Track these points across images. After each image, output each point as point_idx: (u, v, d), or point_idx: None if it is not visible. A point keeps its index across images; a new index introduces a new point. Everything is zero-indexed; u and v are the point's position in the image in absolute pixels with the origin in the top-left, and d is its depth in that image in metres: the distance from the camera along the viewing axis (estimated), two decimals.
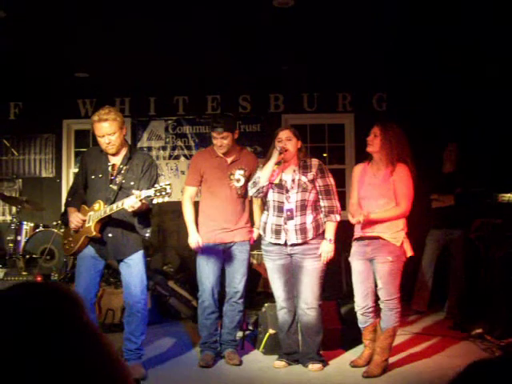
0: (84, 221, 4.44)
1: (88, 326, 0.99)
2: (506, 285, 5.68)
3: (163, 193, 4.04)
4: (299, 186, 4.70)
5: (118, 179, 4.48)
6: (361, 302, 4.71)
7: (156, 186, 4.09)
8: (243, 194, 5.04)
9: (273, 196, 4.76)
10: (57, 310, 0.98)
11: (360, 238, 4.70)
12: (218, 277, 5.00)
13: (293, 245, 4.69)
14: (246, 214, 5.08)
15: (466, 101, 7.55)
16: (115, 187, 4.46)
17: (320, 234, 4.73)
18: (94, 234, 4.38)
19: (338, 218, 4.75)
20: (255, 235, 5.10)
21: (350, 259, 4.81)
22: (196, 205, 5.10)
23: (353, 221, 4.54)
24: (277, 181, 4.75)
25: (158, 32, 6.28)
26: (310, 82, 8.18)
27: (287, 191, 4.72)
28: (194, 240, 4.96)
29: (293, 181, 4.73)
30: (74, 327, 0.97)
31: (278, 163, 4.69)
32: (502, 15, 5.64)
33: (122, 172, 4.50)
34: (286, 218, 4.70)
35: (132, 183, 4.50)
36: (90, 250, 4.53)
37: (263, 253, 4.92)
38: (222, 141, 4.93)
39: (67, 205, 4.67)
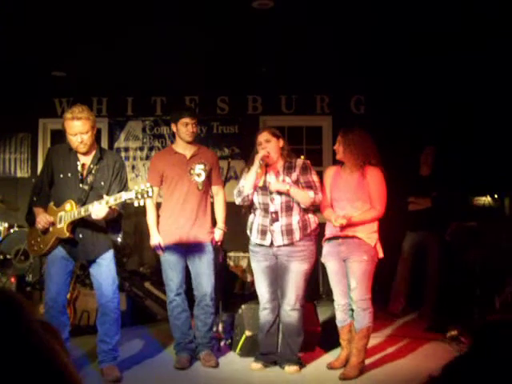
0: (51, 222, 4.38)
1: (31, 331, 0.97)
2: (480, 287, 5.74)
3: (145, 195, 4.04)
4: None
5: (89, 179, 4.42)
6: (341, 299, 4.73)
7: (137, 188, 4.06)
8: (204, 191, 5.00)
9: (258, 198, 4.74)
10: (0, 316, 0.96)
11: (333, 238, 4.73)
12: (183, 277, 4.97)
13: (279, 246, 4.68)
14: (207, 215, 5.03)
15: (444, 104, 7.62)
16: (86, 187, 4.40)
17: (307, 235, 4.71)
18: (68, 235, 4.33)
19: (313, 195, 4.61)
20: (217, 236, 5.06)
21: (323, 260, 4.83)
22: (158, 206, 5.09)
23: (335, 224, 4.56)
24: (261, 183, 4.73)
25: (135, 32, 6.24)
26: (288, 83, 8.18)
27: (271, 193, 4.70)
28: (156, 241, 4.93)
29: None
30: (17, 334, 0.95)
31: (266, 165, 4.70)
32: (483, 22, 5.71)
33: (93, 172, 4.45)
34: (271, 220, 4.69)
35: (102, 183, 4.46)
36: (60, 251, 4.46)
37: (250, 253, 4.89)
38: (194, 127, 4.95)
39: (33, 204, 4.57)
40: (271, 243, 4.69)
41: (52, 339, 1.01)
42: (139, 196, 4.04)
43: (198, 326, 5.01)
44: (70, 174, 4.45)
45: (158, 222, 4.99)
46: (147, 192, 4.04)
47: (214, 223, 5.10)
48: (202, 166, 4.97)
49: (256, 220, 4.79)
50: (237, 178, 7.79)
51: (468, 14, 5.58)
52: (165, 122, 8.43)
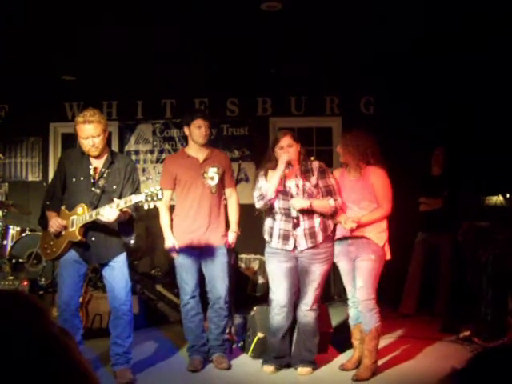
0: (64, 226, 4.40)
1: (51, 335, 0.97)
2: (492, 287, 5.71)
3: (154, 198, 4.05)
4: (305, 192, 4.65)
5: (101, 183, 4.44)
6: (355, 297, 4.75)
7: (147, 191, 4.08)
8: (218, 194, 5.00)
9: (278, 203, 4.69)
10: (19, 320, 0.97)
11: (343, 238, 4.74)
12: (197, 279, 4.97)
13: (303, 250, 4.67)
14: (221, 218, 5.02)
15: (455, 104, 7.59)
16: (98, 191, 4.42)
17: (328, 237, 4.71)
18: (80, 238, 4.35)
19: (333, 203, 4.62)
20: (231, 239, 5.06)
21: (336, 260, 4.84)
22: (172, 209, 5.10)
23: (345, 227, 4.57)
24: (281, 187, 4.70)
25: (145, 35, 6.26)
26: (297, 85, 8.18)
27: (292, 197, 4.66)
28: (170, 244, 4.93)
29: (297, 186, 4.68)
30: (37, 336, 0.95)
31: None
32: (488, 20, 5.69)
33: (105, 176, 4.46)
34: (293, 225, 4.67)
35: (114, 187, 4.48)
36: (72, 255, 4.47)
37: (267, 255, 4.84)
38: (206, 129, 4.94)
39: (46, 208, 4.59)
40: (294, 247, 4.67)
41: (69, 341, 1.02)
42: (149, 199, 4.05)
43: (211, 328, 5.02)
44: (82, 178, 4.47)
45: (171, 225, 5.00)
46: (157, 195, 4.05)
47: (227, 225, 5.11)
48: (215, 169, 4.97)
49: (276, 225, 4.73)
50: (247, 180, 7.80)
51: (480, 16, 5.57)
52: (175, 125, 8.45)
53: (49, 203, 4.57)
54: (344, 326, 5.02)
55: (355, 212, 4.67)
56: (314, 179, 4.70)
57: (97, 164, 4.50)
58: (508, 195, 6.87)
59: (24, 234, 7.35)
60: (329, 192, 4.68)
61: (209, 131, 5.00)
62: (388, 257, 4.71)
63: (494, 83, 7.13)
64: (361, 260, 4.64)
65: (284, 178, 4.69)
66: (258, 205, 4.73)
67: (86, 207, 4.35)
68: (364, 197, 4.69)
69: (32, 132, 8.70)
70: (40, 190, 8.51)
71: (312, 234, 4.65)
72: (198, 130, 4.93)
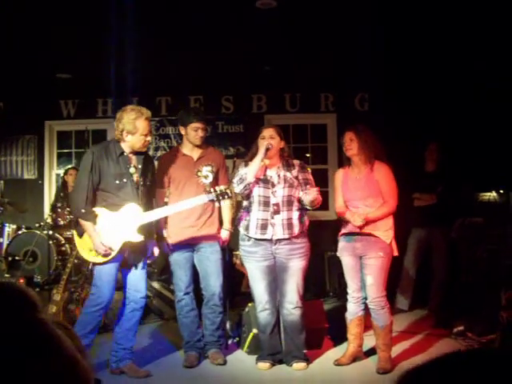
0: (110, 248, 4.38)
1: (40, 325, 0.98)
2: (486, 282, 5.75)
3: (225, 196, 4.44)
4: (285, 182, 4.74)
5: (141, 181, 4.51)
6: (356, 292, 4.81)
7: (216, 189, 4.40)
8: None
9: (258, 191, 4.75)
10: (6, 309, 0.98)
11: (349, 234, 4.77)
12: (191, 276, 5.01)
13: (279, 240, 4.70)
14: (214, 215, 5.06)
15: (448, 99, 7.61)
16: (142, 189, 4.50)
17: (304, 232, 4.78)
18: (142, 239, 4.42)
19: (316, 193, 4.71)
20: (224, 237, 5.10)
21: (339, 254, 4.89)
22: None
23: (356, 225, 4.61)
24: (262, 176, 4.77)
25: (139, 33, 6.26)
26: (292, 82, 8.20)
27: (273, 186, 4.74)
28: (164, 241, 4.97)
29: (278, 176, 4.77)
30: (26, 325, 0.96)
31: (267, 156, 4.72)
32: (483, 16, 5.71)
33: (141, 173, 4.53)
34: (272, 213, 4.71)
35: (149, 183, 4.60)
36: (119, 256, 4.47)
37: (244, 254, 4.88)
38: (203, 132, 4.98)
39: (82, 217, 4.41)
40: (271, 237, 4.71)
41: (66, 332, 1.03)
42: (220, 197, 4.39)
43: (206, 324, 5.04)
44: (125, 180, 4.44)
45: (165, 223, 5.02)
46: (227, 193, 4.38)
47: (220, 223, 5.14)
48: (209, 168, 5.01)
49: (253, 215, 4.77)
50: None
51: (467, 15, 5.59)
52: (170, 123, 8.46)
53: (84, 211, 4.39)
54: (338, 322, 5.05)
55: (361, 209, 4.72)
56: (294, 172, 4.80)
57: (134, 162, 4.53)
58: (502, 191, 6.91)
59: (20, 232, 7.36)
60: (307, 184, 4.78)
61: (205, 132, 5.04)
62: (395, 253, 4.76)
63: (490, 78, 7.15)
64: (369, 258, 4.68)
65: (265, 167, 4.77)
66: (238, 189, 4.77)
67: (138, 208, 4.39)
68: (370, 194, 4.74)
69: (27, 130, 8.69)
70: (36, 188, 8.54)
71: (289, 225, 4.71)
72: (194, 133, 4.96)
